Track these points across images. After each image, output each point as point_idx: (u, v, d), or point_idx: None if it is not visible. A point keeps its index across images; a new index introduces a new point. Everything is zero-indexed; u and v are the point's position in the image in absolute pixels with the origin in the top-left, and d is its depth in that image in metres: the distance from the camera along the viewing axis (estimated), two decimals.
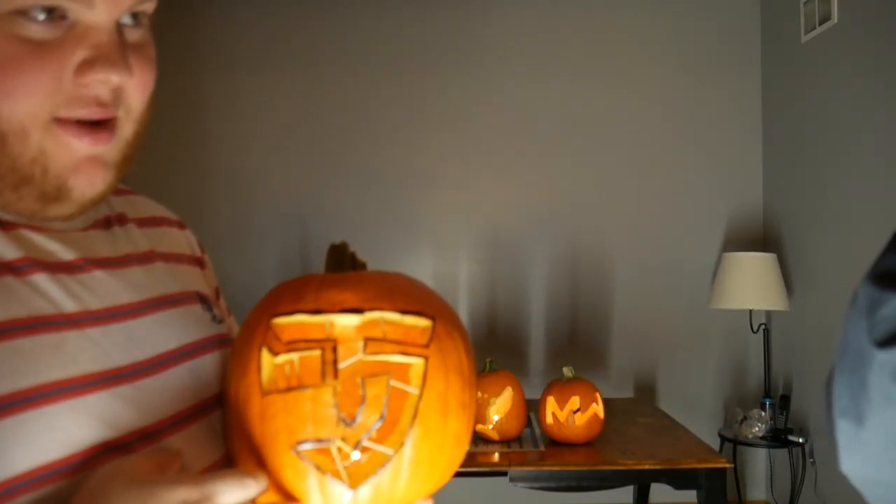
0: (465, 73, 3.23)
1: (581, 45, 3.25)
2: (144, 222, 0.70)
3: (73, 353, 0.52)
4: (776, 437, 2.74)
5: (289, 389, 0.53)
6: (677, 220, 3.24)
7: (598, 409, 1.97)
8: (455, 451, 0.57)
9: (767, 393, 2.92)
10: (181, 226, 0.78)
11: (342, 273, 0.61)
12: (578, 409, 1.94)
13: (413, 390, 0.53)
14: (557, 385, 2.00)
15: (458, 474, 1.99)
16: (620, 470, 1.86)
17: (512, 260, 3.24)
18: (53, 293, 0.53)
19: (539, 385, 2.92)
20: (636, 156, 3.25)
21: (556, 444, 1.98)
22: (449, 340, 0.56)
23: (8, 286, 0.51)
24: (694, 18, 3.25)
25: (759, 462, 3.22)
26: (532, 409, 2.20)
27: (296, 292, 0.57)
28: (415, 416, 0.53)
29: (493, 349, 3.09)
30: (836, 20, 2.64)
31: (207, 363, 0.64)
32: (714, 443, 2.87)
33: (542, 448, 1.95)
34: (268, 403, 0.53)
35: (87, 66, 0.52)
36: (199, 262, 0.76)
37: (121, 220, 0.66)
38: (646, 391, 3.21)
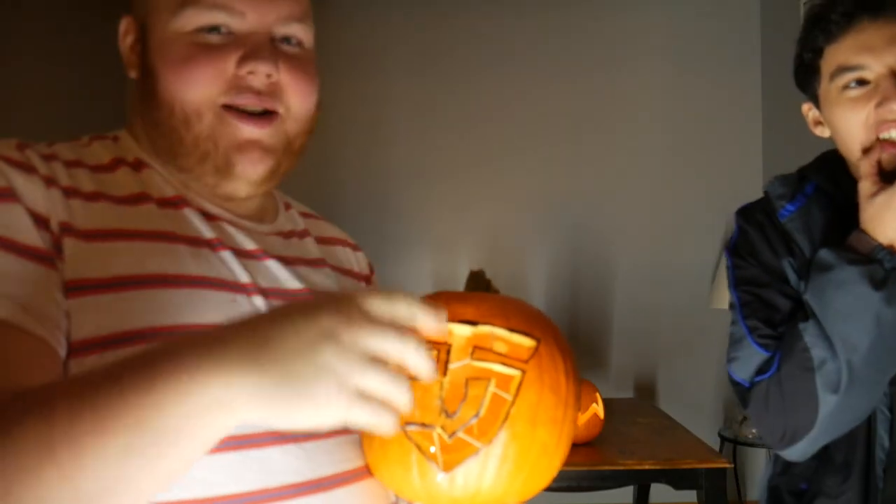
0: (467, 74, 3.23)
1: (581, 46, 3.25)
2: (323, 240, 0.89)
3: (241, 309, 0.68)
4: None
5: (410, 378, 0.59)
6: (677, 220, 3.24)
7: (598, 409, 1.97)
8: (543, 460, 0.64)
9: None
10: (355, 248, 0.97)
11: (470, 292, 0.73)
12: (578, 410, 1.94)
13: (507, 397, 0.62)
14: None
15: None
16: (620, 470, 1.86)
17: (512, 260, 3.24)
18: (234, 267, 0.71)
19: None
20: (636, 155, 3.25)
21: None
22: (549, 361, 0.65)
23: (205, 255, 0.70)
24: (694, 18, 3.25)
25: (759, 462, 3.22)
26: None
27: (433, 301, 0.67)
28: (505, 419, 0.61)
29: None
30: None
31: None
32: (714, 443, 2.87)
33: None
34: None
35: (242, 60, 0.69)
36: (365, 279, 0.96)
37: (302, 234, 0.86)
38: (646, 391, 3.21)
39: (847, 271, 0.91)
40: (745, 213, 1.17)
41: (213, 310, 0.66)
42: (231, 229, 0.74)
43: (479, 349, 0.63)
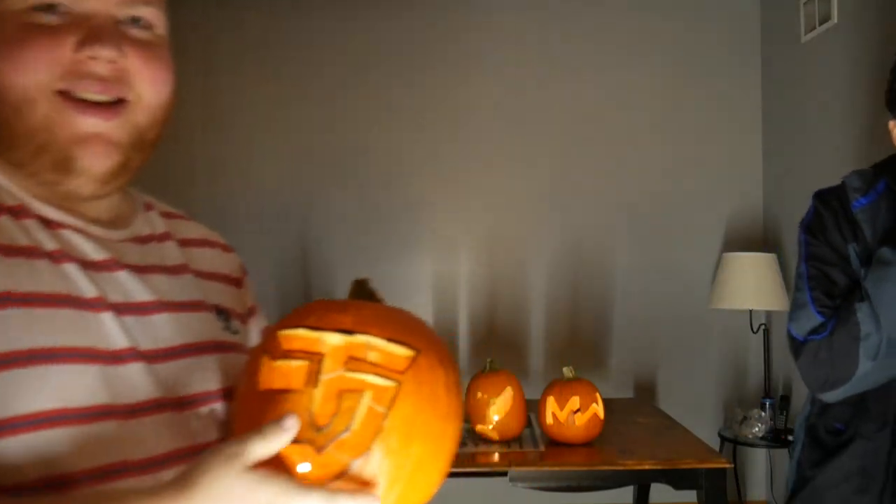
0: (467, 73, 3.23)
1: (582, 45, 3.25)
2: (187, 242, 0.81)
3: (85, 328, 0.62)
4: (776, 438, 2.74)
5: (279, 391, 0.60)
6: (677, 221, 3.24)
7: (598, 409, 1.97)
8: (418, 476, 0.61)
9: (767, 393, 2.92)
10: (226, 249, 0.89)
11: (349, 300, 0.69)
12: (578, 410, 1.94)
13: (381, 409, 0.58)
14: (557, 385, 2.00)
15: (457, 474, 1.99)
16: (620, 470, 1.86)
17: (512, 260, 3.24)
18: (80, 281, 0.64)
19: (539, 385, 2.91)
20: (636, 155, 3.25)
21: (556, 444, 1.98)
22: (429, 373, 0.62)
23: (41, 267, 0.62)
24: (694, 18, 3.25)
25: (759, 462, 3.22)
26: (532, 409, 2.20)
27: (307, 310, 0.65)
28: (378, 433, 0.58)
29: (493, 349, 3.09)
30: (836, 20, 2.64)
31: (209, 361, 0.73)
32: (714, 443, 2.87)
33: (542, 448, 1.95)
34: (261, 399, 0.60)
35: (79, 43, 0.62)
36: (236, 282, 0.87)
37: (161, 238, 0.78)
38: (646, 391, 3.21)
39: None
40: (822, 198, 1.35)
41: (55, 331, 0.60)
42: (77, 238, 0.67)
43: (353, 359, 0.60)
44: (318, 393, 0.58)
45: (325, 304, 0.66)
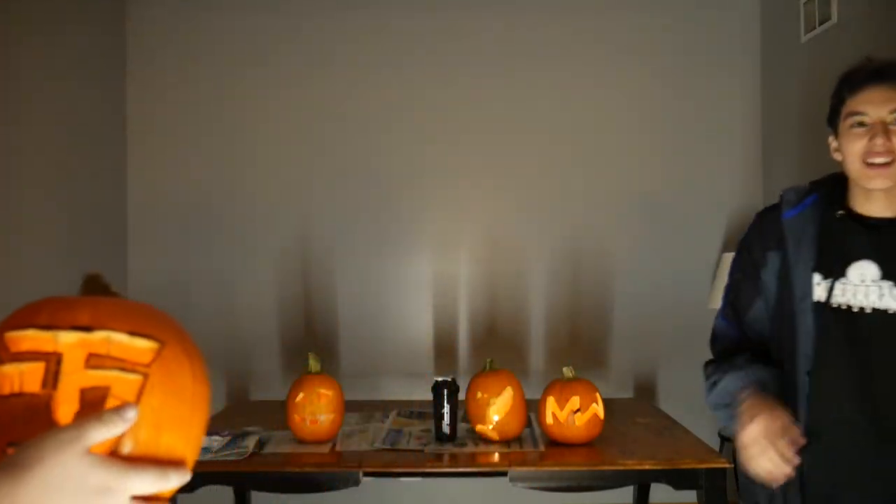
0: (466, 73, 3.23)
1: (582, 44, 3.25)
2: None
3: None
4: None
5: (10, 395, 0.57)
6: (677, 220, 3.24)
7: (598, 409, 1.97)
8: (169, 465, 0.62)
9: None
10: None
11: (83, 296, 0.67)
12: (578, 410, 1.94)
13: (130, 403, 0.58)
14: (557, 385, 1.99)
15: (457, 474, 1.98)
16: (620, 470, 1.86)
17: (512, 260, 3.24)
18: None
19: (539, 385, 2.92)
20: (636, 155, 3.25)
21: (556, 444, 1.98)
22: (175, 364, 0.63)
23: None
24: (694, 18, 3.25)
25: None
26: (532, 409, 2.20)
27: (35, 309, 0.63)
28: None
29: (493, 349, 3.09)
30: (835, 20, 2.64)
31: None
32: (714, 443, 2.87)
33: (542, 448, 1.95)
34: None
35: None
36: None
37: None
38: (646, 391, 3.21)
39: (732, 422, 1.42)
40: (761, 214, 1.53)
41: None
42: None
43: (94, 356, 0.59)
44: (59, 394, 0.57)
45: (55, 301, 0.63)
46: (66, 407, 0.57)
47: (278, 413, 2.20)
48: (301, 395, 1.99)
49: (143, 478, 0.55)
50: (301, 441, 2.02)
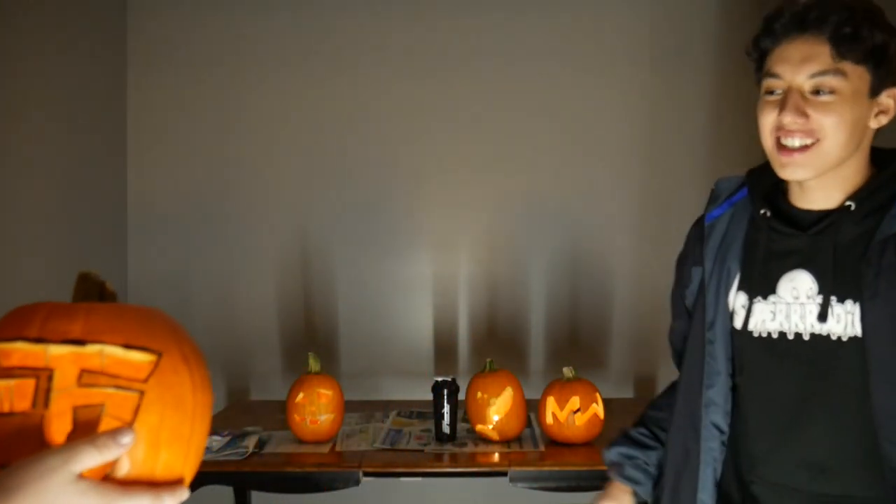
0: (464, 72, 3.23)
1: (583, 43, 3.25)
2: None
3: None
4: None
5: (1, 414, 0.54)
6: (678, 220, 3.23)
7: (598, 409, 1.97)
8: (167, 480, 0.59)
9: None
10: None
11: (76, 303, 0.62)
12: (578, 410, 1.94)
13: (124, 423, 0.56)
14: (557, 385, 2.00)
15: (457, 474, 1.97)
16: None
17: (512, 260, 3.24)
18: None
19: (539, 385, 2.92)
20: (636, 155, 3.25)
21: (556, 444, 1.98)
22: (173, 375, 0.59)
23: None
24: (693, 18, 3.25)
25: None
26: (532, 409, 2.20)
27: (23, 318, 0.59)
28: None
29: (493, 349, 3.09)
30: None
31: None
32: None
33: (542, 448, 1.95)
34: None
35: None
36: None
37: None
38: (646, 391, 3.21)
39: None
40: (697, 221, 1.27)
41: None
42: None
43: (86, 372, 0.55)
44: (50, 413, 0.54)
45: (47, 309, 0.59)
46: (58, 427, 0.54)
47: (278, 413, 2.20)
48: (301, 395, 1.99)
49: (138, 501, 0.53)
50: (301, 441, 2.02)
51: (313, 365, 2.07)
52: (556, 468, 1.86)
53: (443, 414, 2.03)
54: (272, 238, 3.22)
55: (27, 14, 2.55)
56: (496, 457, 1.90)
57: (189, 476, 0.61)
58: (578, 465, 1.86)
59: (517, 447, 1.97)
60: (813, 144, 0.97)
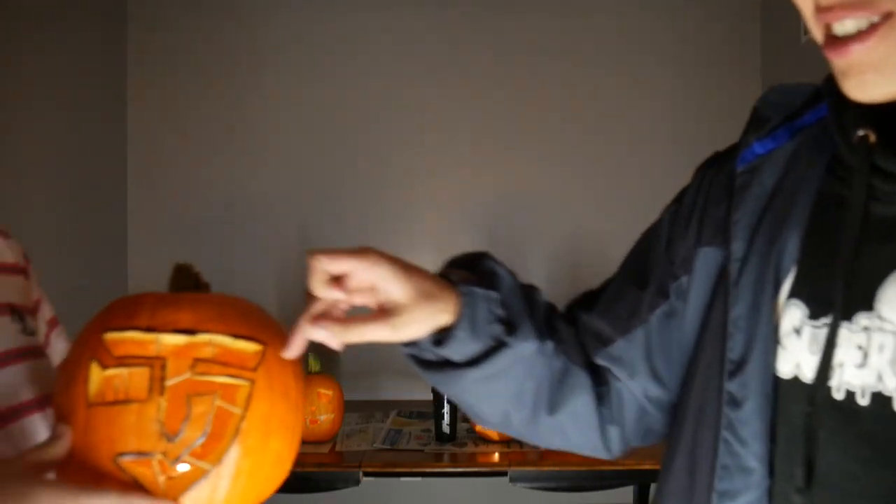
0: (462, 71, 3.23)
1: (584, 43, 3.25)
2: None
3: None
4: None
5: (115, 402, 0.55)
6: None
7: None
8: (275, 470, 0.61)
9: None
10: (5, 235, 0.79)
11: (181, 293, 0.64)
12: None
13: (237, 410, 0.56)
14: None
15: (457, 474, 1.98)
16: (620, 470, 1.86)
17: (512, 260, 3.22)
18: None
19: None
20: (636, 154, 3.24)
21: None
22: (278, 365, 0.60)
23: None
24: (694, 18, 3.25)
25: None
26: None
27: (131, 308, 0.60)
28: (236, 435, 0.56)
29: None
30: None
31: (9, 376, 0.66)
32: None
33: (542, 448, 1.95)
34: (92, 415, 0.55)
35: None
36: (22, 272, 0.78)
37: None
38: None
39: None
40: (707, 162, 0.76)
41: None
42: None
43: (199, 361, 0.56)
44: (165, 401, 0.54)
45: (153, 299, 0.61)
46: (173, 413, 0.54)
47: None
48: None
49: None
50: (301, 441, 2.02)
51: (313, 365, 2.07)
52: (556, 468, 1.86)
53: (443, 414, 2.04)
54: (273, 238, 3.22)
55: (26, 14, 2.55)
56: (496, 457, 1.90)
57: (290, 465, 0.63)
58: (578, 465, 1.86)
59: (517, 447, 1.97)
60: (883, 21, 0.50)
